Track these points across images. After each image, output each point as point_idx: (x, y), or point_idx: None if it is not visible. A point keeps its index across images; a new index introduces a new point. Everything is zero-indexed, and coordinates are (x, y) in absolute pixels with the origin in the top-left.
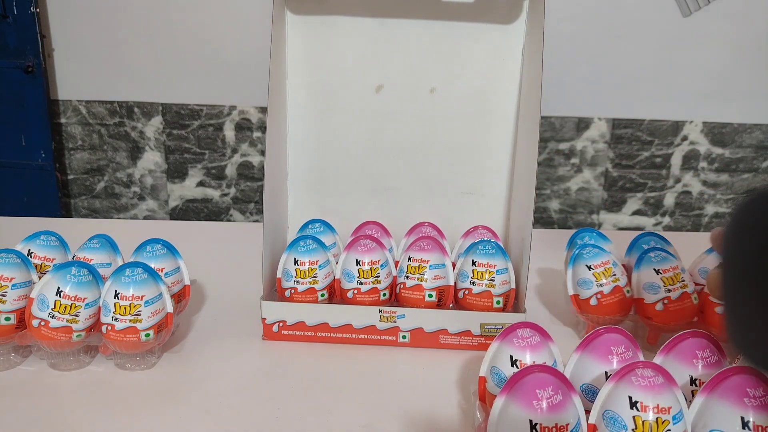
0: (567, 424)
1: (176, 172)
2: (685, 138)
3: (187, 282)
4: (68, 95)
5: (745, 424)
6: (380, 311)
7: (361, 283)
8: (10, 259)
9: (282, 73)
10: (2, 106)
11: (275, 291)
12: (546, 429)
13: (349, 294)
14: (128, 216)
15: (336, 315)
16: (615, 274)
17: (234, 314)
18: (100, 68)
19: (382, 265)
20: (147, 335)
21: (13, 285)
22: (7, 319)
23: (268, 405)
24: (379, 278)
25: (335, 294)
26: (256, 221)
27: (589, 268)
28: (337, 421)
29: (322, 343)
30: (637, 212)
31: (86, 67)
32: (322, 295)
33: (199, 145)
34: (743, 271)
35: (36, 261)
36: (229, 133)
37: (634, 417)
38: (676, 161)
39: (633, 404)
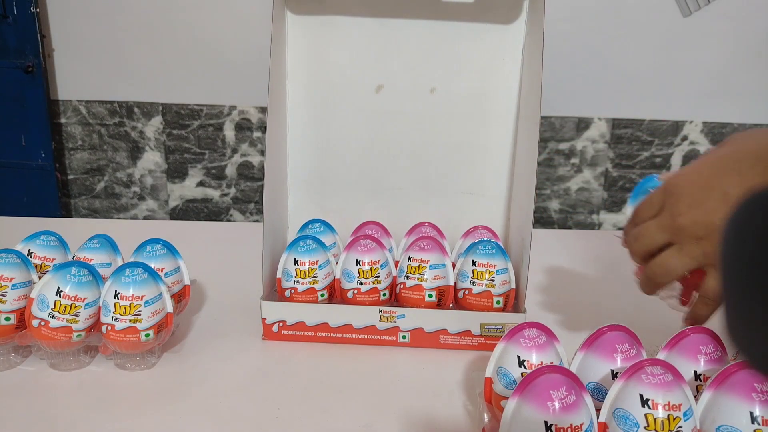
0: (581, 424)
1: (176, 172)
2: (685, 138)
3: (187, 282)
4: (68, 95)
5: (754, 419)
6: (380, 311)
7: (361, 283)
8: (10, 259)
9: (282, 73)
10: (2, 106)
11: (275, 291)
12: (561, 430)
13: (349, 294)
14: (128, 216)
15: (336, 315)
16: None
17: (234, 314)
18: (100, 68)
19: (382, 265)
20: (147, 335)
21: (13, 285)
22: (7, 319)
23: (268, 405)
24: (379, 278)
25: (335, 294)
26: (256, 221)
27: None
28: (338, 421)
29: (322, 343)
30: None
31: (86, 67)
32: (322, 295)
33: (199, 145)
34: (743, 271)
35: (36, 261)
36: (229, 133)
37: (645, 415)
38: (676, 161)
39: (644, 402)
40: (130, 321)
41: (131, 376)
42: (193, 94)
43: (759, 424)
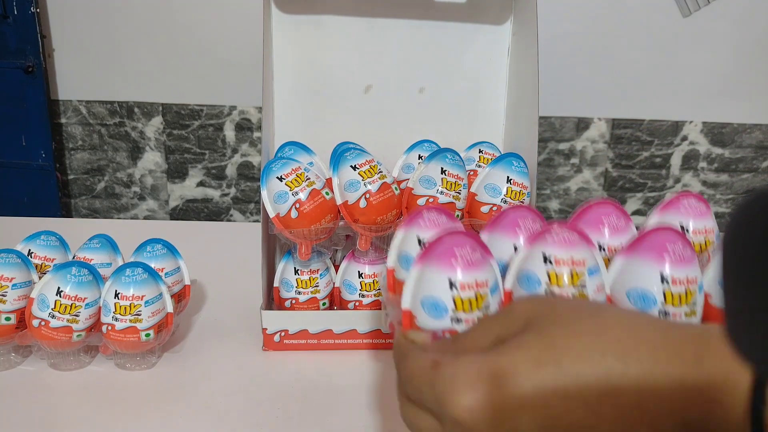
0: (486, 280)
1: (176, 172)
2: (684, 138)
3: (187, 282)
4: (68, 95)
5: (664, 279)
6: (386, 314)
7: (363, 296)
8: (11, 259)
9: (272, 73)
10: (2, 106)
11: (273, 299)
12: (465, 286)
13: (350, 305)
14: (128, 216)
15: (339, 321)
16: (309, 178)
17: (234, 314)
18: (100, 68)
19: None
20: (147, 335)
21: (13, 285)
22: (8, 319)
23: (268, 405)
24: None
25: (335, 303)
26: (256, 221)
27: (280, 179)
28: (338, 421)
29: (326, 350)
30: (637, 212)
31: (86, 67)
32: (324, 304)
33: (199, 145)
34: (744, 273)
35: (36, 261)
36: (230, 133)
37: (548, 272)
38: (675, 161)
39: (546, 259)
40: (131, 321)
41: (131, 376)
42: (194, 94)
43: (668, 284)
